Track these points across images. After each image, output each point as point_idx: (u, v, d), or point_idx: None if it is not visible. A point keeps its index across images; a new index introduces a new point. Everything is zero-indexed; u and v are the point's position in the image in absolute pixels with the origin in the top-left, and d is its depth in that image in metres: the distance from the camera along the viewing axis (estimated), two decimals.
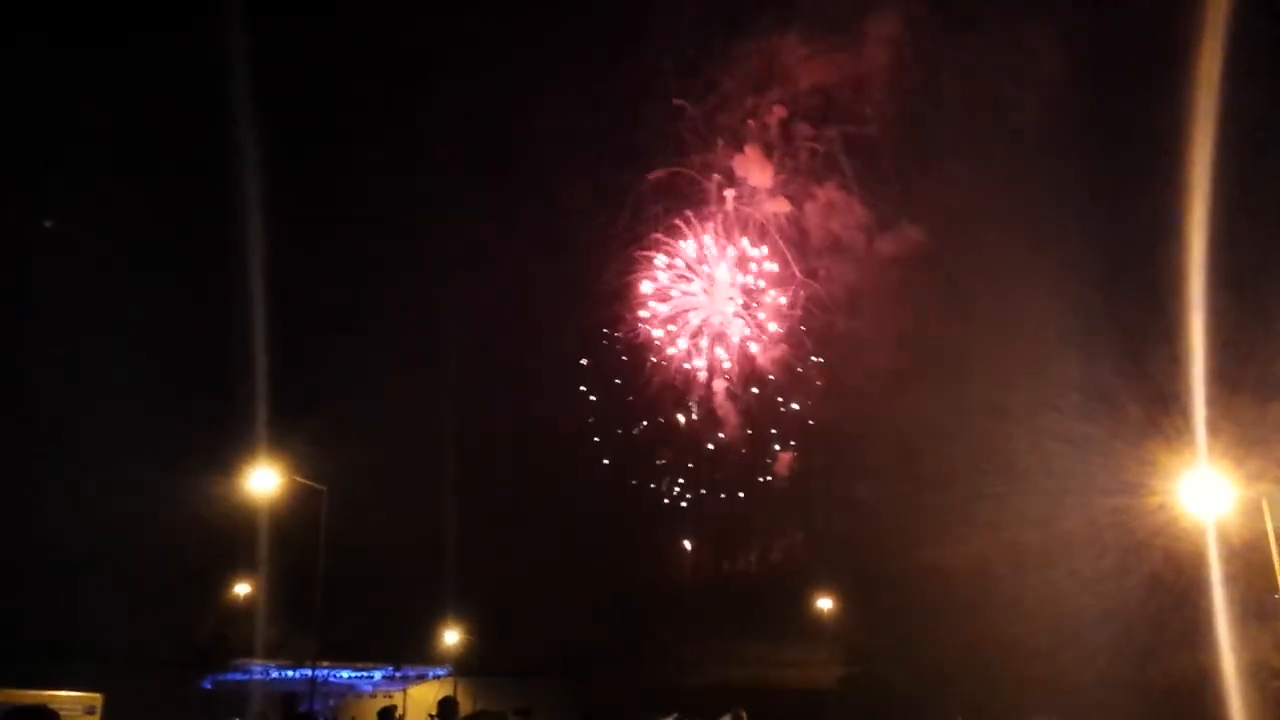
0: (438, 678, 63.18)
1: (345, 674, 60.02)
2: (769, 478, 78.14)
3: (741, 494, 79.00)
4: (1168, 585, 43.94)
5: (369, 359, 69.25)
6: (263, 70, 56.53)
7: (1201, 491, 29.03)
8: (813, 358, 79.95)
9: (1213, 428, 32.15)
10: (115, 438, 56.33)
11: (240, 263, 52.39)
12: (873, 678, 60.59)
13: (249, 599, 60.12)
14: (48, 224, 64.02)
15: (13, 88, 60.49)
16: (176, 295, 66.25)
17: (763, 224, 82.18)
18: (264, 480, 37.20)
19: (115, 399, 57.06)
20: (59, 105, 63.85)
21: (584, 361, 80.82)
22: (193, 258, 65.98)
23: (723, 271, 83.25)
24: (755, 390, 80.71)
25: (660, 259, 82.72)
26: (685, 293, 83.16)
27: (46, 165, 62.55)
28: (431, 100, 77.96)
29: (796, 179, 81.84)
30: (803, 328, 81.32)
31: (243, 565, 57.44)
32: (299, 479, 38.85)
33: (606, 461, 79.02)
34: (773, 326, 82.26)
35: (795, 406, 79.88)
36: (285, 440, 41.38)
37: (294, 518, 44.58)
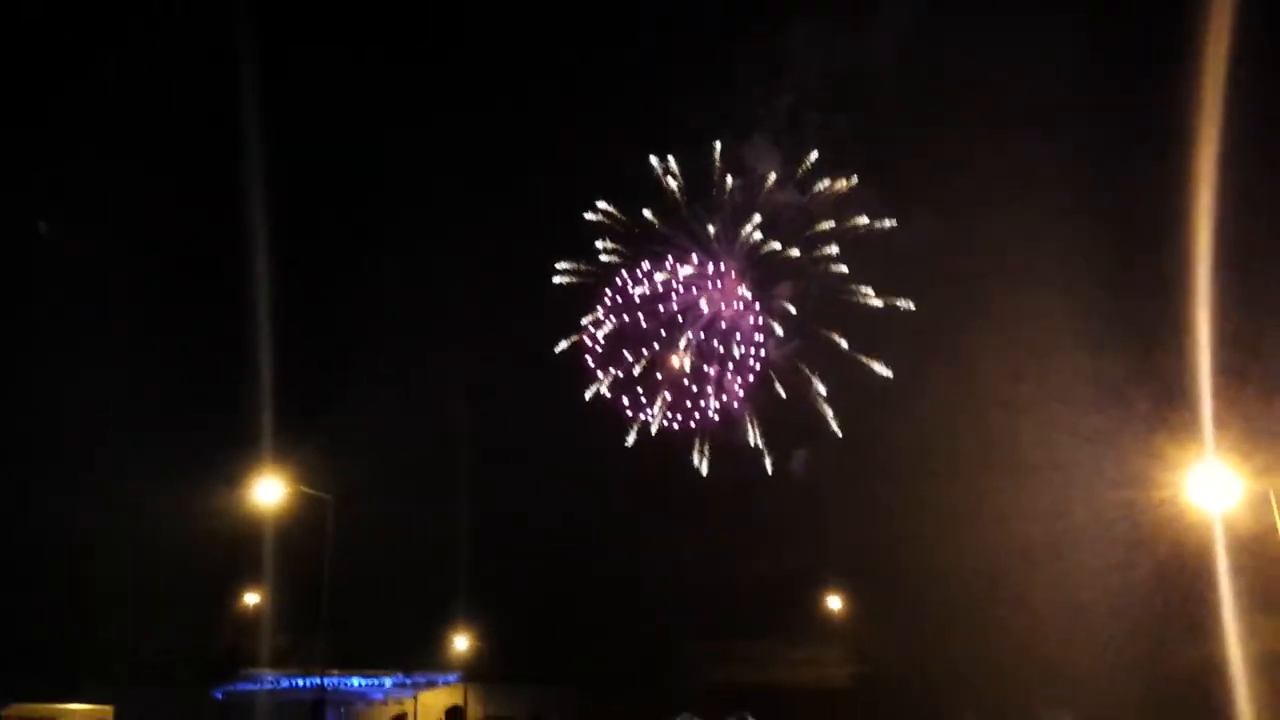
0: (448, 684, 63.24)
1: (356, 681, 60.12)
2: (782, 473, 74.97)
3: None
4: (1174, 578, 43.88)
5: (375, 369, 69.16)
6: (273, 84, 56.92)
7: (1208, 484, 28.98)
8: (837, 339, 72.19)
9: (1219, 421, 32.19)
10: (122, 451, 56.53)
11: (246, 275, 52.65)
12: (884, 676, 60.52)
13: (259, 609, 60.20)
14: (42, 226, 63.56)
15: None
16: (183, 307, 66.33)
17: (772, 214, 75.18)
18: (269, 491, 37.29)
19: (121, 415, 57.15)
20: (65, 111, 64.11)
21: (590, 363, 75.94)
22: (200, 271, 66.16)
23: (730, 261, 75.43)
24: (780, 389, 75.59)
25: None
26: (693, 283, 76.02)
27: (46, 171, 62.70)
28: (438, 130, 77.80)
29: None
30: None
31: (252, 576, 57.54)
32: (304, 489, 38.92)
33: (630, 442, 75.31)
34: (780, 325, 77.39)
35: (822, 391, 72.53)
36: (292, 451, 41.45)
37: (301, 527, 44.65)
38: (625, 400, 73.87)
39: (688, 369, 74.39)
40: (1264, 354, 40.83)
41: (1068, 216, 53.89)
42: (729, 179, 74.48)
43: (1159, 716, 45.58)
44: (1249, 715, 35.47)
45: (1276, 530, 28.31)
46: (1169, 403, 40.37)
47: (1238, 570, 35.88)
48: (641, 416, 73.80)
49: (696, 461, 72.71)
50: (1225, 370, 34.92)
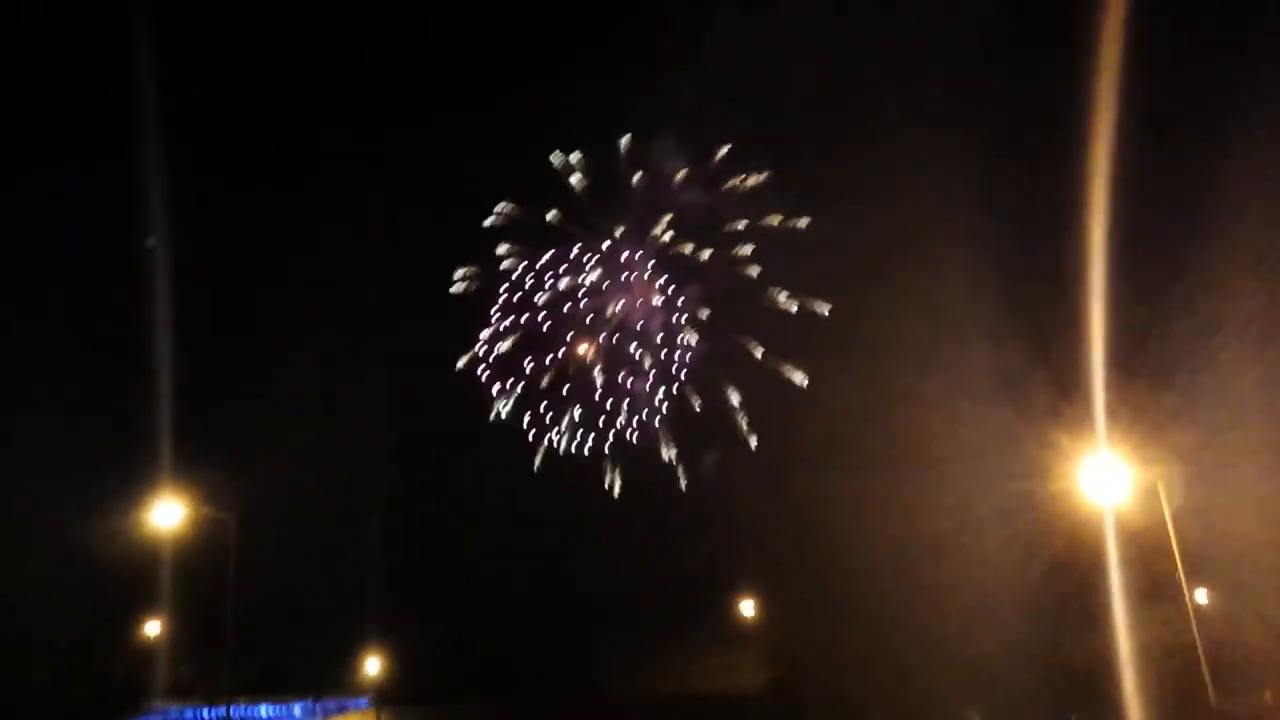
0: (359, 708, 61.97)
1: (263, 710, 58.50)
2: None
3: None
4: (1069, 569, 45.35)
5: (279, 387, 67.29)
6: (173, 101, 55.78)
7: (1100, 476, 29.99)
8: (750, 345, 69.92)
9: (1111, 413, 33.56)
10: (9, 471, 54.04)
11: (143, 286, 50.99)
12: (796, 678, 61.05)
13: (159, 637, 58.02)
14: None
15: None
16: (74, 322, 63.63)
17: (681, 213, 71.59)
18: (167, 513, 36.14)
19: (6, 432, 54.81)
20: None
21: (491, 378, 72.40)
22: (94, 284, 63.52)
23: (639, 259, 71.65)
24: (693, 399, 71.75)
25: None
26: (601, 286, 71.70)
27: None
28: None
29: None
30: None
31: (151, 602, 55.44)
32: (204, 510, 37.87)
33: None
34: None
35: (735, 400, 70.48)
36: (191, 470, 40.31)
37: (204, 551, 43.36)
38: (530, 421, 70.94)
39: (596, 366, 71.20)
40: (1153, 347, 42.83)
41: (971, 213, 55.26)
42: (636, 176, 70.99)
43: (1054, 705, 46.95)
44: (1135, 702, 36.76)
45: (1164, 521, 29.49)
46: (1064, 395, 41.88)
47: (1127, 561, 37.21)
48: (548, 439, 70.76)
49: (609, 482, 70.38)
50: (1116, 363, 36.43)
